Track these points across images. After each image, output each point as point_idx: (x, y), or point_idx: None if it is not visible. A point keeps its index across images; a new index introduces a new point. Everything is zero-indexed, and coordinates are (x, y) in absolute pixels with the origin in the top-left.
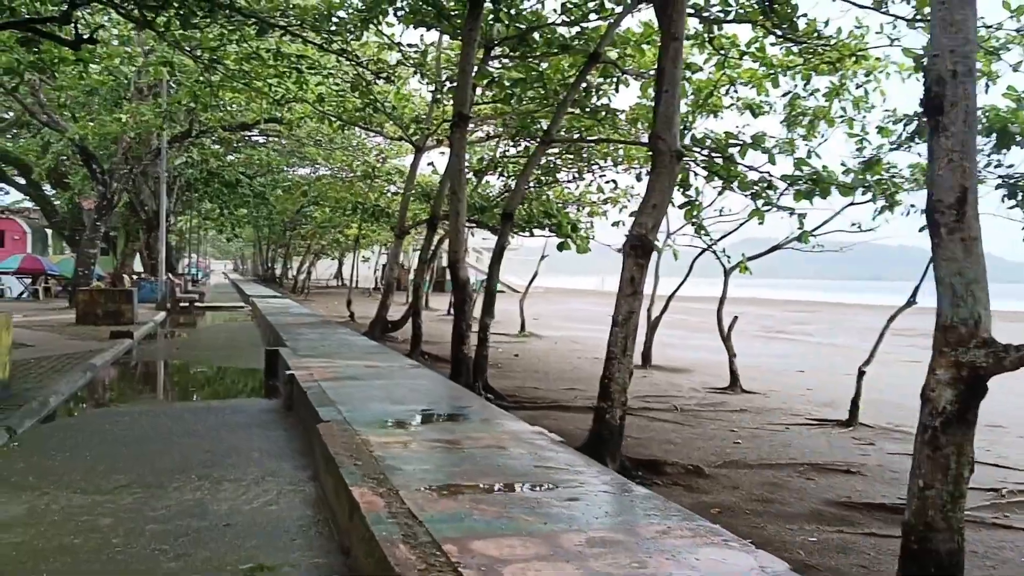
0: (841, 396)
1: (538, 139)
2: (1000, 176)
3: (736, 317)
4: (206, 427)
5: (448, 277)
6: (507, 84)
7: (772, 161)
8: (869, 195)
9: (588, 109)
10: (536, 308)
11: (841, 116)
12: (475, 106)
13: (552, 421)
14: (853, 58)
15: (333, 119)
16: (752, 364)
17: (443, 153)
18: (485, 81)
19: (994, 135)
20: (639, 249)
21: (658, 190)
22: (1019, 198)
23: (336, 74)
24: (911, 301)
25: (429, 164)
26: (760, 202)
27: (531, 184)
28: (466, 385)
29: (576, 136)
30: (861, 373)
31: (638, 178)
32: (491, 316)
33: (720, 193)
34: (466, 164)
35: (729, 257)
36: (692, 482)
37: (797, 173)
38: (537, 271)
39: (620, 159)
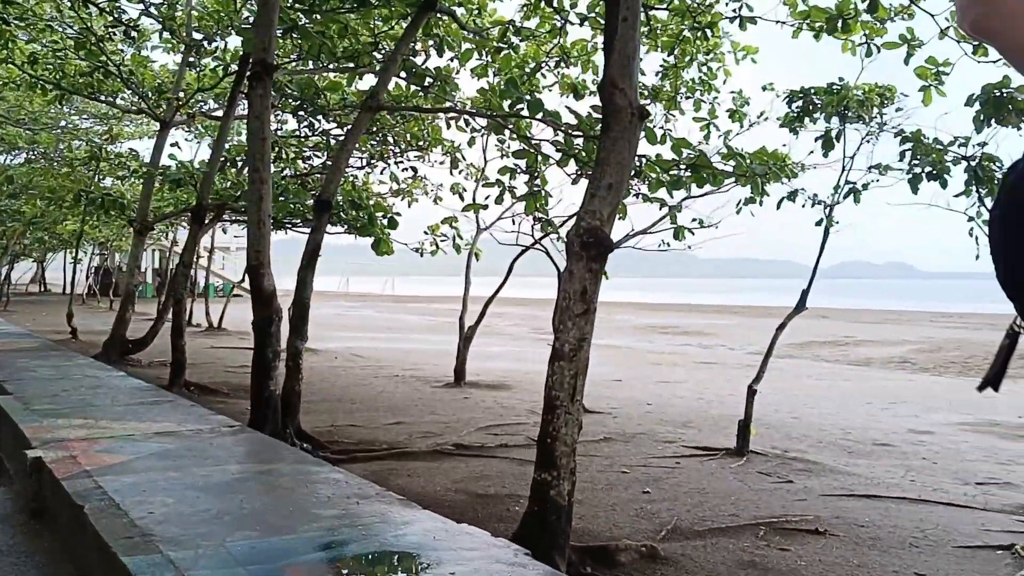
0: (684, 413)
1: (330, 111)
2: (964, 157)
3: None
4: None
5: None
6: (316, 33)
7: (652, 141)
8: (742, 184)
9: (414, 72)
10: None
11: (688, 96)
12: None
13: (407, 478)
14: (736, 22)
15: (49, 87)
16: (532, 371)
17: (188, 131)
18: (283, 29)
19: (982, 105)
20: (592, 247)
21: (614, 163)
22: (981, 188)
23: (55, 28)
24: (801, 307)
25: (173, 145)
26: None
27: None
28: (273, 433)
29: (403, 104)
30: (752, 392)
31: (454, 164)
32: (303, 338)
33: (574, 182)
34: (227, 148)
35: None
36: (655, 572)
37: (671, 158)
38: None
39: (427, 142)
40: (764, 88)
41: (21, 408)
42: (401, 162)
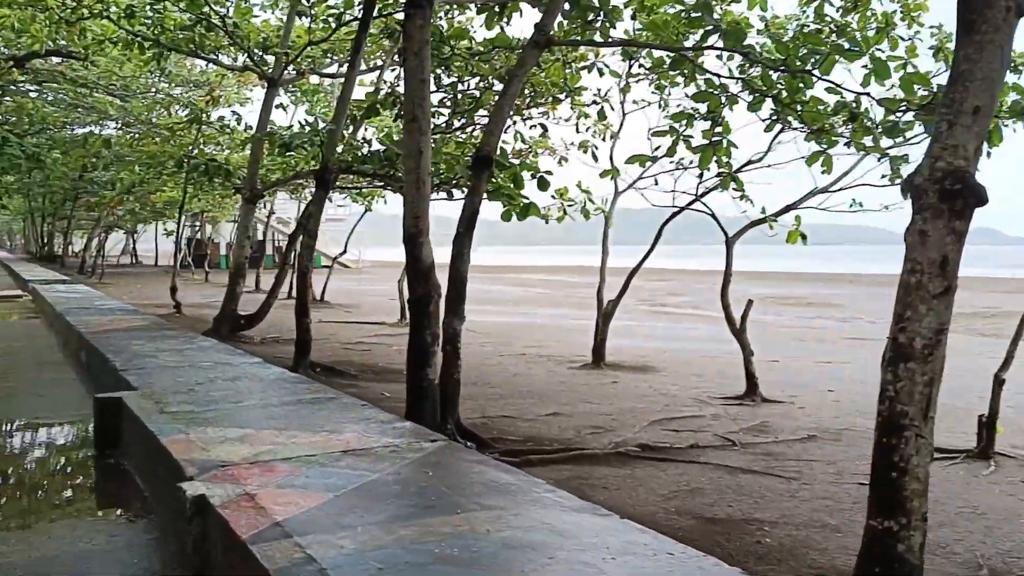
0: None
1: (471, 58)
2: None
3: (751, 301)
4: None
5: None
6: None
7: (881, 77)
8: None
9: (578, 3)
10: (376, 287)
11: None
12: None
13: (604, 491)
14: None
15: (147, 43)
16: (688, 350)
17: (288, 92)
18: None
19: None
20: (956, 197)
21: (981, 78)
22: None
23: None
24: None
25: (278, 107)
26: (825, 142)
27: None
28: (433, 428)
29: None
30: (1000, 382)
31: (601, 116)
32: (461, 318)
33: (768, 128)
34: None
35: (774, 216)
36: None
37: (895, 97)
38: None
39: (567, 91)
40: None
41: (156, 410)
42: (530, 118)
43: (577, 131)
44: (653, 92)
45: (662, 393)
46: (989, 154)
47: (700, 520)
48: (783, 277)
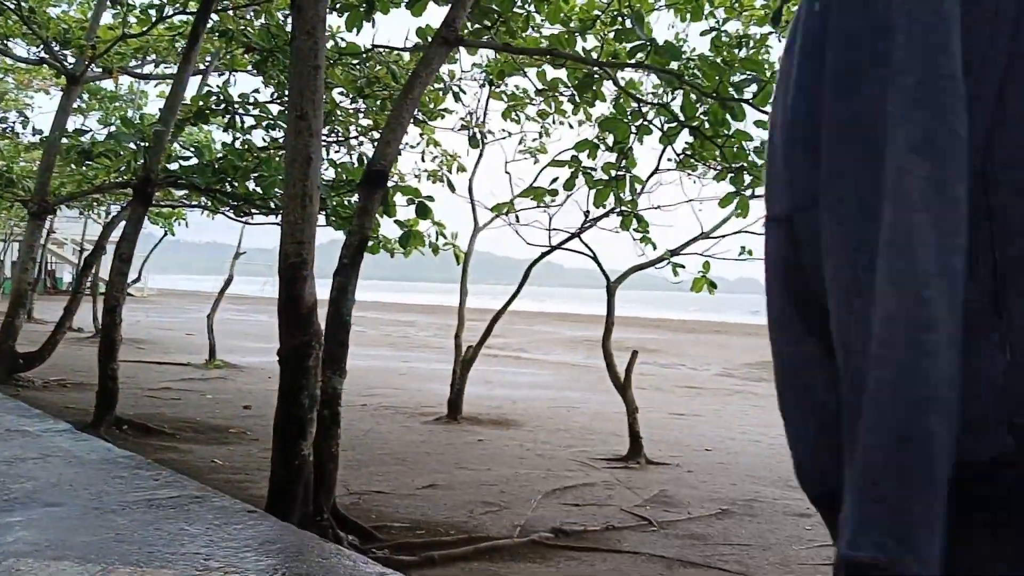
0: (767, 465)
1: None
2: None
3: (635, 352)
4: None
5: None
6: None
7: None
8: None
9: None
10: (167, 319)
11: None
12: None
13: None
14: None
15: None
16: (537, 399)
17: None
18: None
19: None
20: None
21: None
22: None
23: None
24: None
25: (78, 110)
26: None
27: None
28: (304, 519)
29: (486, 42)
30: None
31: (473, 143)
32: (342, 373)
33: (683, 164)
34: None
35: (680, 263)
36: None
37: None
38: (231, 275)
39: (429, 112)
40: None
41: None
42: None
43: (423, 159)
44: (513, 120)
45: (537, 454)
46: None
47: None
48: (584, 320)
